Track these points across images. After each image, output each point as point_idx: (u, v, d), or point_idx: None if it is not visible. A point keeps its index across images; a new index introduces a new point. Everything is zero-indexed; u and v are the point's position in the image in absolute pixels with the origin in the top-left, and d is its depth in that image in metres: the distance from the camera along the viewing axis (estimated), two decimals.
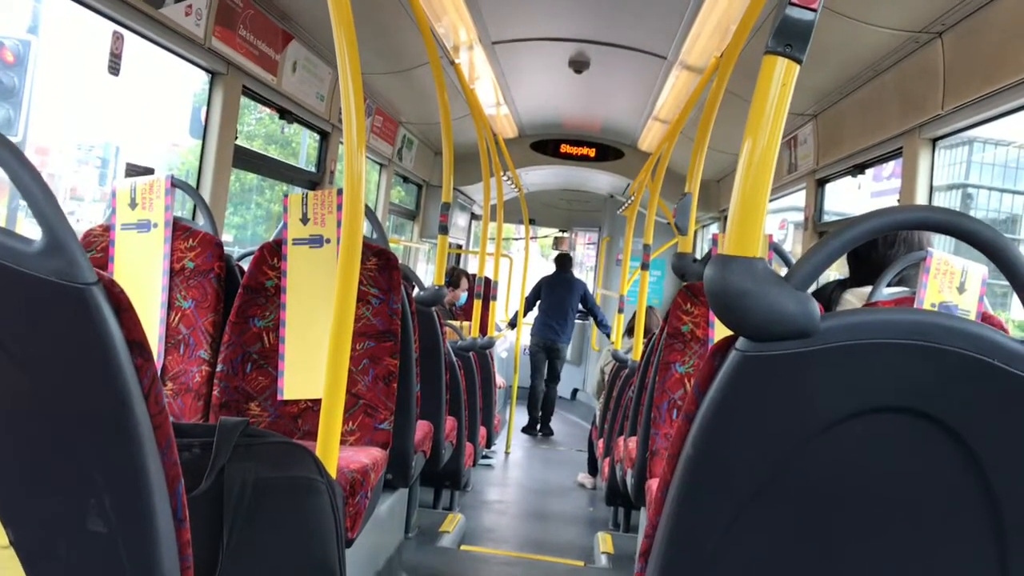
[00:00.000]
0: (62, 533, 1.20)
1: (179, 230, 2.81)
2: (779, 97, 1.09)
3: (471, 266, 10.57)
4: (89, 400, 1.17)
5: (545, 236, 13.22)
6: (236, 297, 2.77)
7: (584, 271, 12.11)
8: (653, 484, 2.91)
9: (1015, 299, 1.04)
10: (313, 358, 2.60)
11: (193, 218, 3.45)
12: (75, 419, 1.17)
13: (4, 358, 1.14)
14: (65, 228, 1.12)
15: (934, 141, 3.75)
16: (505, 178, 7.91)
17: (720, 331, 2.80)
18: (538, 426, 9.04)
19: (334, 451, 2.00)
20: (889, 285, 2.36)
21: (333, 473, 1.92)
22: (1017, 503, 1.07)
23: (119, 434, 1.17)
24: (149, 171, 3.42)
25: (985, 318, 2.21)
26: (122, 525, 1.19)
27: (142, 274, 2.74)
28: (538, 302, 9.06)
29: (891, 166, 4.56)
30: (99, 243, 2.77)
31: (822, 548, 1.11)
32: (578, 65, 5.84)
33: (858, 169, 4.62)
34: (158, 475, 1.21)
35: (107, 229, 2.79)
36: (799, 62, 1.08)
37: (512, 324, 9.42)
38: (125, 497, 1.19)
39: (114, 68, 3.17)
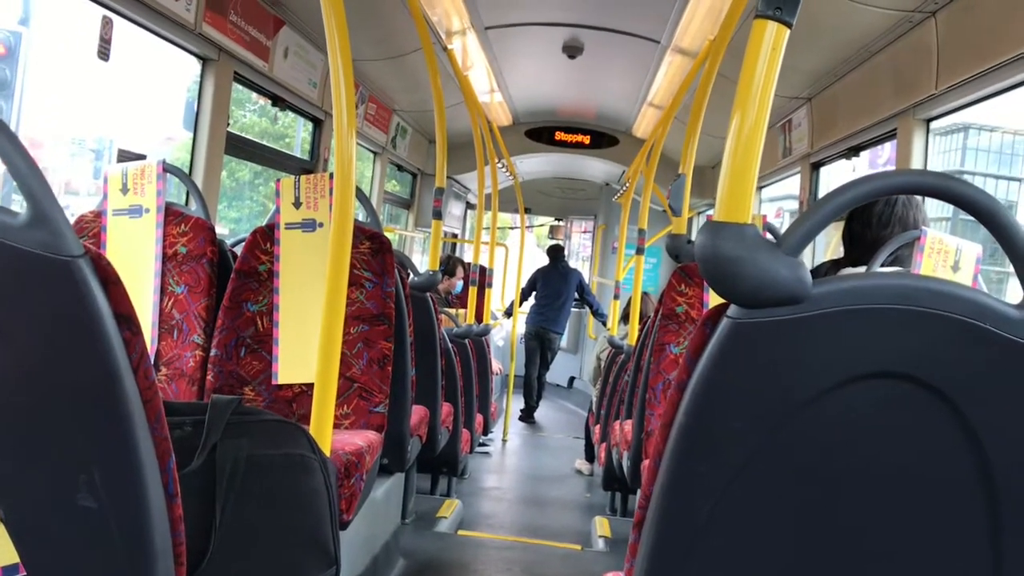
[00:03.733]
0: (53, 509, 1.20)
1: (171, 215, 2.80)
2: (769, 61, 1.08)
3: (467, 255, 10.57)
4: (77, 374, 1.16)
5: (541, 225, 13.20)
6: (229, 282, 2.76)
7: (580, 260, 12.09)
8: (648, 463, 2.91)
9: (1010, 285, 1.03)
10: (307, 342, 2.59)
11: (186, 204, 3.44)
12: (63, 393, 1.16)
13: None
14: (50, 200, 1.11)
15: (928, 122, 3.74)
16: (500, 166, 7.90)
17: None
18: (533, 413, 9.07)
19: (327, 432, 2.00)
20: (883, 265, 2.35)
21: (327, 454, 1.92)
22: (1009, 466, 1.07)
23: (108, 408, 1.16)
24: (141, 157, 3.40)
25: None
26: (112, 500, 1.19)
27: (134, 259, 2.73)
28: (534, 292, 9.08)
29: (887, 152, 4.55)
30: (91, 229, 2.75)
31: (814, 514, 1.11)
32: (572, 51, 5.82)
33: (853, 152, 4.62)
34: (148, 450, 1.20)
35: (99, 215, 2.77)
36: (789, 26, 1.07)
37: (508, 313, 9.43)
38: (115, 472, 1.18)
39: (103, 54, 3.15)
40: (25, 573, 1.20)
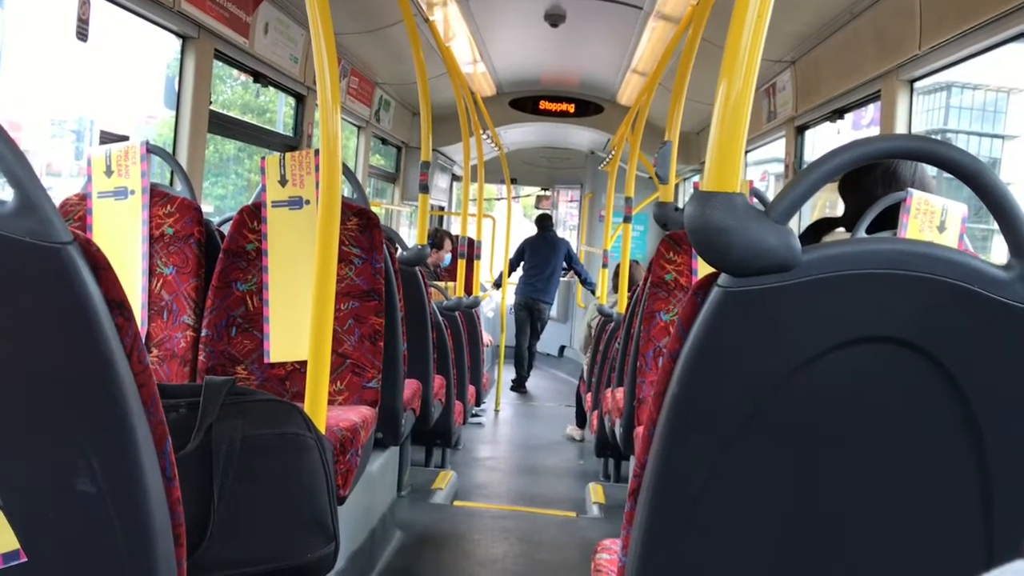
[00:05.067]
0: (51, 495, 1.20)
1: (157, 196, 2.79)
2: (755, 30, 1.08)
3: (454, 227, 10.55)
4: (71, 361, 1.16)
5: (527, 195, 13.18)
6: (217, 262, 2.75)
7: (567, 229, 12.09)
8: (641, 431, 2.93)
9: (995, 242, 1.04)
10: (298, 320, 2.60)
11: (171, 185, 3.42)
12: (58, 381, 1.16)
13: None
14: (37, 187, 1.10)
15: (911, 83, 3.75)
16: (485, 137, 7.86)
17: None
18: (524, 383, 9.10)
19: (322, 409, 2.01)
20: (881, 229, 2.35)
21: (322, 431, 1.93)
22: (999, 429, 1.08)
23: (103, 394, 1.16)
24: (124, 138, 3.37)
25: None
26: (111, 485, 1.19)
27: (121, 241, 2.72)
28: (522, 263, 9.07)
29: (871, 114, 4.55)
30: (76, 212, 2.74)
31: (807, 480, 1.12)
32: (554, 19, 5.78)
33: (837, 114, 4.62)
34: (144, 434, 1.20)
35: (83, 198, 2.76)
36: None
37: (497, 284, 9.43)
38: (112, 457, 1.19)
39: (82, 34, 3.11)
40: (25, 559, 1.20)
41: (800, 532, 1.13)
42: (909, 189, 2.29)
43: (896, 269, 1.06)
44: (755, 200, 2.96)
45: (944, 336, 1.07)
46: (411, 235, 9.28)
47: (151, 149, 2.77)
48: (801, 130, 5.18)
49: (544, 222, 9.25)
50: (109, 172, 2.75)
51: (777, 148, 5.79)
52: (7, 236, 1.10)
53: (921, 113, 3.86)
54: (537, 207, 12.49)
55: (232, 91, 6.44)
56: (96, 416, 1.18)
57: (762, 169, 7.77)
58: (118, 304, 1.17)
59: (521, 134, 9.67)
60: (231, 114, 5.13)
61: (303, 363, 2.63)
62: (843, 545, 1.13)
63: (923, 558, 1.13)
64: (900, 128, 3.78)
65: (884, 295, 1.06)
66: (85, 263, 1.13)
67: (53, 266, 1.12)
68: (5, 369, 1.16)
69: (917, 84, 3.78)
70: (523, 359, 9.07)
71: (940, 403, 1.09)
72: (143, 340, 2.66)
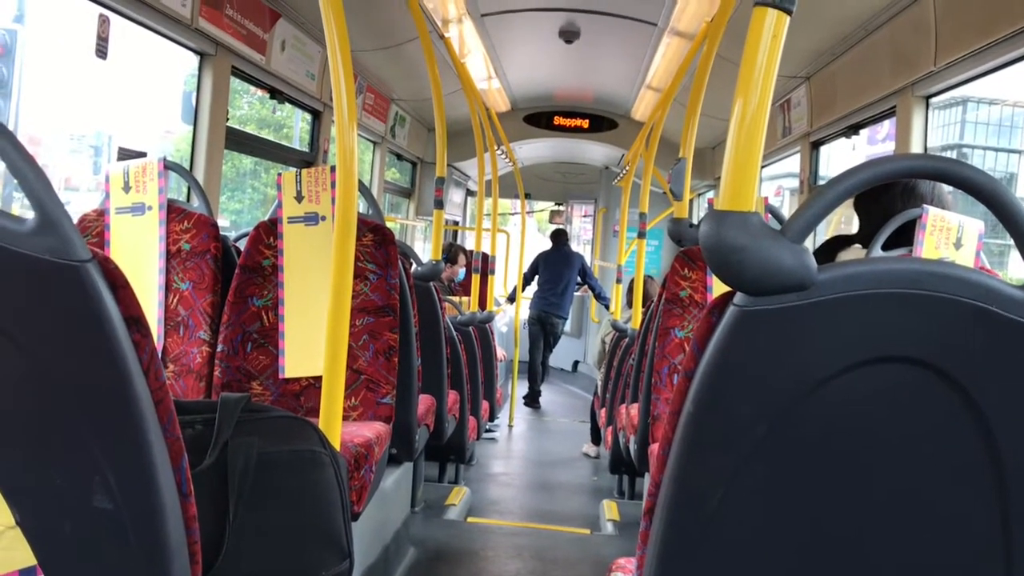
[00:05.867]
0: (68, 511, 1.20)
1: (174, 212, 2.81)
2: (770, 49, 1.08)
3: (468, 242, 10.57)
4: (88, 378, 1.17)
5: (541, 210, 13.19)
6: (233, 277, 2.77)
7: (581, 244, 12.09)
8: (656, 448, 2.92)
9: (1011, 257, 1.04)
10: (313, 335, 2.60)
11: (188, 200, 3.44)
12: (75, 397, 1.17)
13: (1, 338, 1.14)
14: (57, 206, 1.12)
15: (927, 99, 3.74)
16: (499, 152, 7.88)
17: (718, 295, 2.80)
18: (538, 398, 9.09)
19: (337, 425, 2.01)
20: (896, 246, 2.34)
21: (337, 447, 1.93)
22: (1018, 450, 1.07)
23: (120, 411, 1.17)
24: (142, 155, 3.40)
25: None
26: (127, 501, 1.19)
27: (139, 257, 2.74)
28: (536, 277, 9.07)
29: (886, 129, 4.54)
30: (94, 228, 2.76)
31: (823, 499, 1.12)
32: (568, 35, 5.80)
33: (852, 130, 4.61)
34: (161, 450, 1.21)
35: (101, 214, 2.78)
36: (789, 13, 1.07)
37: (511, 299, 9.44)
38: (129, 473, 1.19)
39: (101, 52, 3.15)
40: (42, 575, 1.21)
41: (816, 551, 1.12)
42: (925, 206, 2.28)
43: (913, 289, 1.05)
44: (769, 216, 2.95)
45: (962, 356, 1.06)
46: (426, 249, 9.30)
47: (168, 166, 2.80)
48: (816, 145, 5.17)
49: (559, 237, 9.25)
50: (127, 188, 2.77)
51: (791, 163, 5.78)
52: (27, 254, 1.11)
53: (936, 128, 3.85)
54: (551, 222, 12.50)
55: (249, 106, 6.49)
56: (113, 432, 1.19)
57: (777, 184, 7.75)
58: (135, 321, 1.18)
59: (535, 149, 9.69)
60: (248, 129, 5.17)
61: (318, 379, 2.64)
62: (859, 564, 1.12)
63: (947, 573, 1.12)
64: (916, 144, 3.77)
65: (901, 315, 1.06)
66: (103, 281, 1.14)
67: (72, 284, 1.13)
68: (24, 385, 1.17)
69: (932, 100, 3.77)
70: (537, 374, 9.06)
71: (958, 423, 1.08)
72: (159, 356, 2.68)
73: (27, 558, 1.20)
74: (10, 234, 1.12)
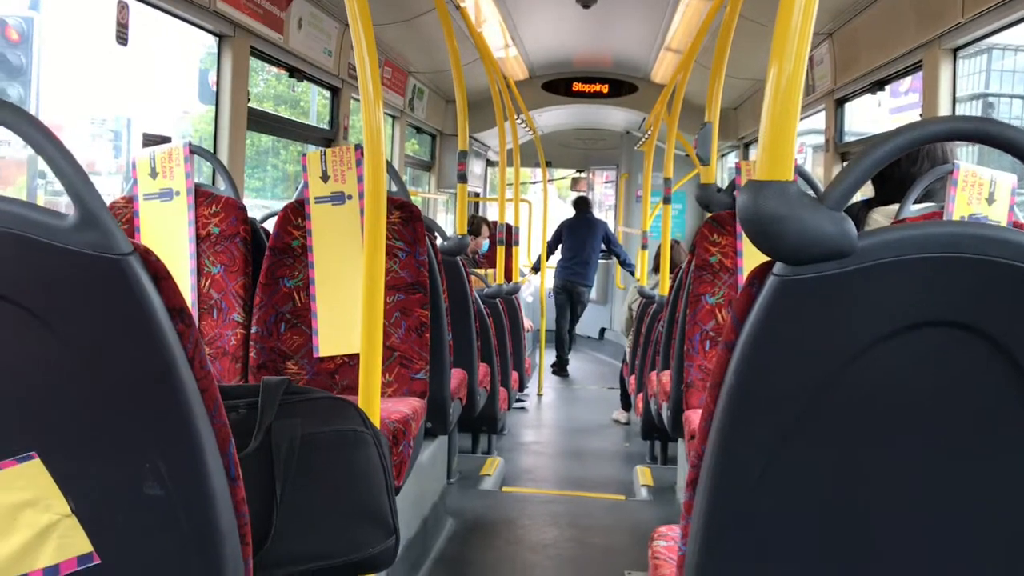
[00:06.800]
0: (121, 499, 1.23)
1: (201, 196, 2.82)
2: (804, 11, 1.06)
3: (490, 213, 10.55)
4: (135, 369, 1.18)
5: (562, 178, 13.13)
6: (264, 259, 2.79)
7: (604, 210, 12.04)
8: (690, 415, 2.93)
9: None
10: (345, 314, 2.62)
11: (213, 183, 3.46)
12: (123, 389, 1.19)
13: (48, 333, 1.16)
14: (97, 200, 1.13)
15: (955, 51, 3.68)
16: (519, 121, 7.84)
17: (749, 260, 2.79)
18: (566, 367, 9.10)
19: (376, 403, 2.03)
20: (916, 201, 2.32)
21: (377, 425, 1.95)
22: None
23: (168, 400, 1.19)
24: (166, 139, 3.42)
25: (1016, 227, 2.18)
26: (178, 487, 1.22)
27: (169, 242, 2.76)
28: (560, 246, 9.05)
29: (908, 81, 4.48)
30: (124, 215, 2.78)
31: (869, 467, 1.12)
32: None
33: (877, 86, 4.55)
34: (209, 437, 1.23)
35: (130, 200, 2.80)
36: None
37: (535, 269, 9.43)
38: (179, 460, 1.21)
39: (122, 38, 3.15)
40: (99, 561, 1.24)
41: (862, 520, 1.13)
42: (956, 162, 2.25)
43: (955, 252, 1.04)
44: (797, 178, 2.92)
45: (1005, 318, 1.05)
46: (448, 221, 9.30)
47: (194, 150, 2.81)
48: (841, 103, 5.11)
49: (581, 204, 9.21)
50: (154, 174, 2.79)
51: (814, 120, 5.71)
52: (70, 249, 1.13)
53: (961, 77, 3.78)
54: (573, 189, 12.43)
55: (266, 83, 6.49)
56: (161, 421, 1.20)
57: (799, 141, 7.66)
58: (179, 311, 1.19)
59: (555, 117, 9.63)
60: (266, 107, 5.17)
61: (352, 357, 2.66)
62: (905, 531, 1.13)
63: (992, 543, 1.12)
64: (943, 98, 3.71)
65: (944, 279, 1.05)
66: (146, 273, 1.16)
67: (115, 277, 1.14)
68: (73, 378, 1.19)
69: (959, 51, 3.71)
70: (564, 342, 9.07)
71: (1002, 386, 1.07)
72: None
73: (83, 545, 1.23)
74: (51, 229, 1.13)
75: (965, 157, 2.53)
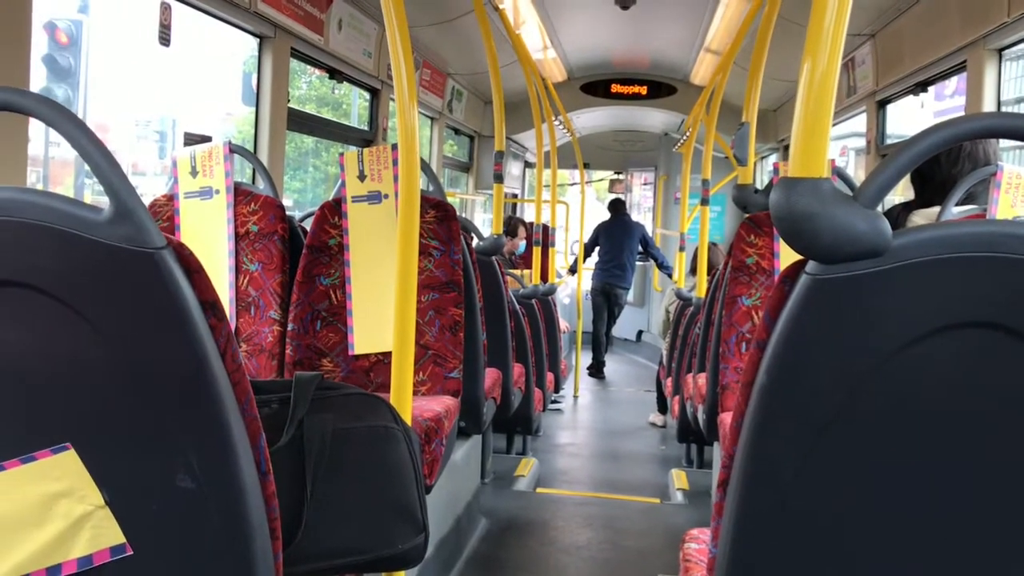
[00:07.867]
0: (153, 491, 1.24)
1: (240, 195, 2.85)
2: (839, 7, 1.05)
3: (527, 214, 10.55)
4: (167, 362, 1.20)
5: (600, 180, 13.09)
6: (301, 257, 2.81)
7: (642, 212, 11.99)
8: (725, 418, 2.91)
9: None
10: (381, 312, 2.63)
11: (253, 182, 3.50)
12: (156, 381, 1.20)
13: (83, 326, 1.18)
14: (132, 195, 1.14)
15: (1000, 51, 3.61)
16: (557, 123, 7.84)
17: (786, 261, 2.76)
18: (602, 369, 9.07)
19: (407, 401, 2.04)
20: (958, 204, 2.28)
21: (408, 422, 1.96)
22: None
23: (199, 394, 1.20)
24: (207, 139, 3.46)
25: None
26: (209, 480, 1.23)
27: (208, 240, 2.79)
28: (597, 248, 9.02)
29: (953, 84, 4.41)
30: (164, 212, 2.82)
31: (902, 469, 1.10)
32: (624, 1, 5.72)
33: (920, 87, 4.48)
34: (240, 431, 1.24)
35: (171, 198, 2.84)
36: None
37: (572, 270, 9.42)
38: (210, 454, 1.23)
39: (164, 39, 3.20)
40: (131, 552, 1.25)
41: (894, 522, 1.11)
42: (1000, 163, 2.21)
43: (992, 252, 1.02)
44: (837, 179, 2.89)
45: None
46: (485, 222, 9.32)
47: (234, 149, 2.84)
48: (882, 104, 5.04)
49: (617, 207, 9.17)
50: (194, 173, 2.83)
51: (856, 122, 5.64)
52: (105, 243, 1.14)
53: (1007, 80, 3.72)
54: (611, 191, 12.39)
55: (308, 85, 6.55)
56: (193, 415, 1.22)
57: (841, 144, 7.58)
58: (211, 305, 1.20)
59: (593, 118, 9.61)
60: (308, 109, 5.22)
61: (387, 355, 2.67)
62: (939, 535, 1.10)
63: None
64: (988, 99, 3.65)
65: (980, 279, 1.03)
66: (179, 266, 1.17)
67: (148, 270, 1.15)
68: (107, 370, 1.20)
69: (1005, 52, 3.65)
70: (600, 344, 9.04)
71: None
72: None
73: (117, 536, 1.24)
74: (87, 223, 1.15)
75: (1012, 160, 2.49)
